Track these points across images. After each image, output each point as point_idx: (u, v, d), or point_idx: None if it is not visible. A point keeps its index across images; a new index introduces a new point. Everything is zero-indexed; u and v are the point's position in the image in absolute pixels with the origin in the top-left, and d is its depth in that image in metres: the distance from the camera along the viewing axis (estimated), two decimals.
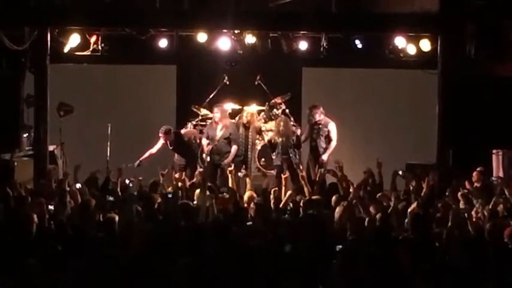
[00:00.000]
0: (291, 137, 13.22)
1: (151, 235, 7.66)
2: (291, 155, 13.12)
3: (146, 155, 13.39)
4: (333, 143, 13.39)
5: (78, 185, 10.29)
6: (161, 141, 13.43)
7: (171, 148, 13.45)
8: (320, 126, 13.42)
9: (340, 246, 7.50)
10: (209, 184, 10.75)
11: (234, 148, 13.30)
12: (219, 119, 13.37)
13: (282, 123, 13.34)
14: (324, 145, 13.36)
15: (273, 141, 13.35)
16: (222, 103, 13.86)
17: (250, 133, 13.78)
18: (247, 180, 11.48)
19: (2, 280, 6.29)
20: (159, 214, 9.23)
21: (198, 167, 13.23)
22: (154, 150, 13.46)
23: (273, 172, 13.46)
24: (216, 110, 13.49)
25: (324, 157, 13.29)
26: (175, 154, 13.53)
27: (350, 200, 9.32)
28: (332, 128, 13.42)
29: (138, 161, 13.19)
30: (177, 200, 9.67)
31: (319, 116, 13.44)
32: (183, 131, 14.00)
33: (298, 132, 13.64)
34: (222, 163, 13.15)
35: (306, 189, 10.61)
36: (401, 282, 6.53)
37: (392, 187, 10.52)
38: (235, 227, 8.26)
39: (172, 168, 11.61)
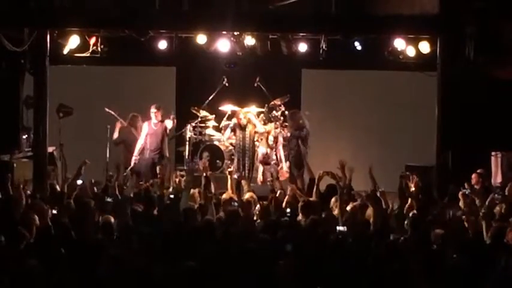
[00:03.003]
0: (294, 131, 13.07)
1: (151, 237, 7.66)
2: (292, 151, 12.96)
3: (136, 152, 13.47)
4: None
5: (79, 182, 10.31)
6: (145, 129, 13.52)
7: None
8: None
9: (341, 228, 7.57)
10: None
11: None
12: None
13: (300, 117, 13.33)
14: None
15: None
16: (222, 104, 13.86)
17: (247, 134, 13.75)
18: (243, 182, 11.46)
19: (2, 281, 6.29)
20: (161, 216, 9.21)
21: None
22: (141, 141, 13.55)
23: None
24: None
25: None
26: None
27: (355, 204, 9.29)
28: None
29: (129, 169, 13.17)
30: (178, 202, 9.66)
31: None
32: None
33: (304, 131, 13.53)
34: None
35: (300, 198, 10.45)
36: (401, 284, 6.53)
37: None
38: (233, 228, 8.27)
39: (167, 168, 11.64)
